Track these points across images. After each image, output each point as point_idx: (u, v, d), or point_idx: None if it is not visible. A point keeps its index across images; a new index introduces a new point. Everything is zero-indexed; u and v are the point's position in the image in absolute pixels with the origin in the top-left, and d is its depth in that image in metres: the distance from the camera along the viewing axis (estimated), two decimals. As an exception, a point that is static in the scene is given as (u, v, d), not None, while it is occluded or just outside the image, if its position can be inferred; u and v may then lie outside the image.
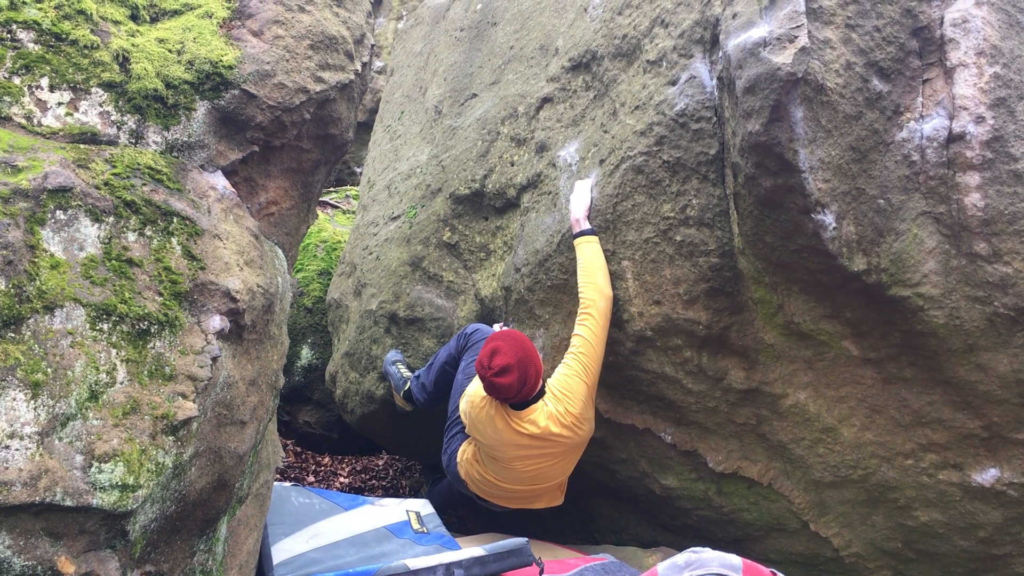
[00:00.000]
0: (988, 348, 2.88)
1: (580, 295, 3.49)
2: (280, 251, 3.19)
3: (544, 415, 3.47)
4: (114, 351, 2.26)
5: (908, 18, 2.84)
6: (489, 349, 3.42)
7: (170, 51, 2.84)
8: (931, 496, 3.22)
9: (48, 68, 2.59)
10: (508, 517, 4.50)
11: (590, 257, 3.48)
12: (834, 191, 2.80)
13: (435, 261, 4.56)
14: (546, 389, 3.52)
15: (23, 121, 2.52)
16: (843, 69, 2.76)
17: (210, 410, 2.47)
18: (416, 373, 4.40)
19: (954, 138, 2.79)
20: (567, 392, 3.45)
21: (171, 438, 2.27)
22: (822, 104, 2.74)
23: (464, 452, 3.85)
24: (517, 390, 3.40)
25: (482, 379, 3.43)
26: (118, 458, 2.14)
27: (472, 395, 3.66)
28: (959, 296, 2.84)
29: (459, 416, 3.90)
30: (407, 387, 4.39)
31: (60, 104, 2.59)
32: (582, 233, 3.52)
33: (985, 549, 3.25)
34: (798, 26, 2.70)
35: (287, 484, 4.11)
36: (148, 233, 2.50)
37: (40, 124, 2.54)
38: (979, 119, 2.76)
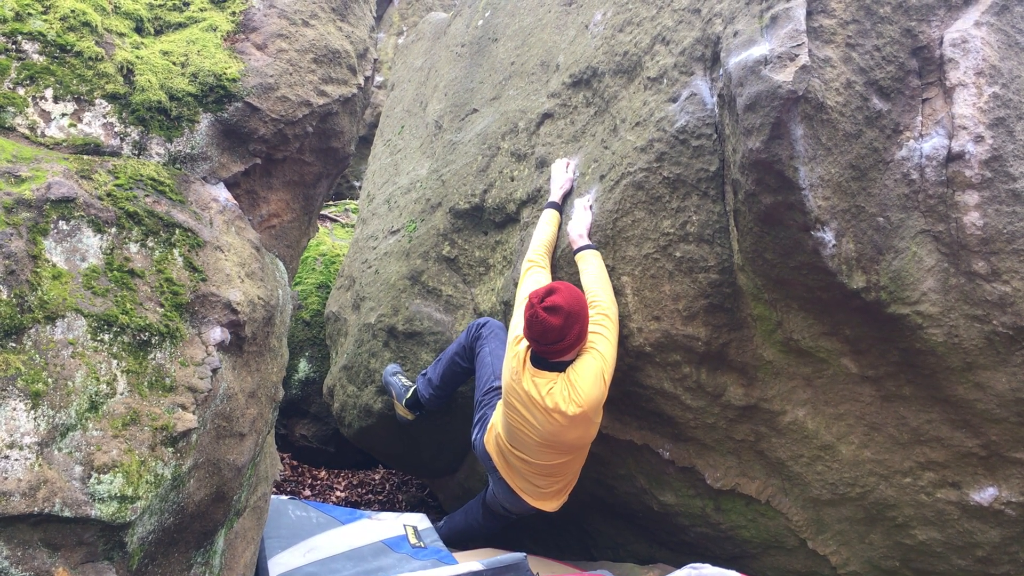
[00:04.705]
0: (987, 367, 2.88)
1: (591, 298, 3.37)
2: (281, 263, 3.19)
3: (549, 389, 3.29)
4: (115, 362, 2.26)
5: (908, 38, 2.86)
6: (548, 287, 3.25)
7: (174, 63, 2.85)
8: (929, 515, 3.22)
9: (52, 79, 2.60)
10: (505, 533, 4.48)
11: (597, 268, 3.43)
12: (834, 209, 2.81)
13: (434, 275, 4.56)
14: (567, 371, 3.33)
15: (27, 132, 2.52)
16: (843, 87, 2.78)
17: (209, 422, 2.46)
18: (423, 371, 4.35)
19: (953, 157, 2.80)
20: (580, 384, 3.26)
21: (170, 450, 2.27)
22: (822, 122, 2.75)
23: (495, 421, 3.71)
24: (555, 339, 3.21)
25: (528, 309, 3.23)
26: (117, 469, 2.13)
27: (513, 337, 3.50)
28: (958, 314, 2.85)
29: (487, 396, 3.82)
30: (412, 391, 4.31)
31: (64, 115, 2.60)
32: (587, 247, 3.48)
33: (983, 568, 3.24)
34: (799, 44, 2.72)
35: (284, 497, 4.10)
36: (150, 244, 2.50)
37: (44, 135, 2.55)
38: (978, 138, 2.77)
